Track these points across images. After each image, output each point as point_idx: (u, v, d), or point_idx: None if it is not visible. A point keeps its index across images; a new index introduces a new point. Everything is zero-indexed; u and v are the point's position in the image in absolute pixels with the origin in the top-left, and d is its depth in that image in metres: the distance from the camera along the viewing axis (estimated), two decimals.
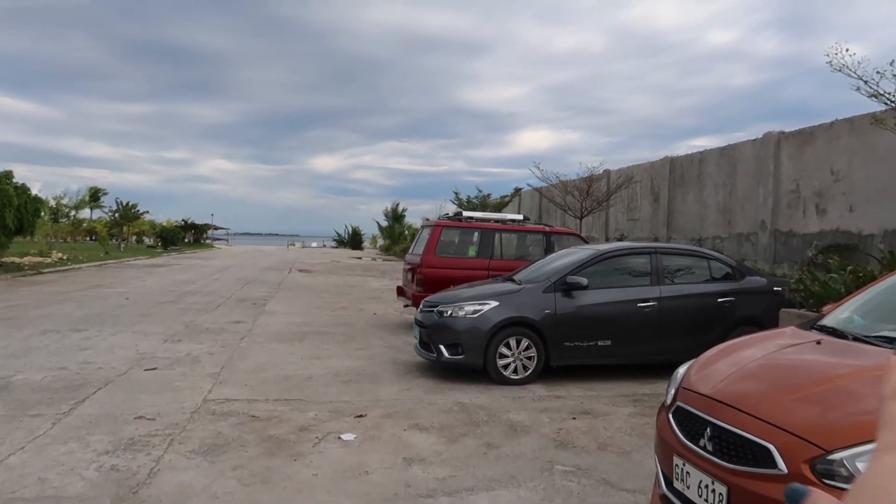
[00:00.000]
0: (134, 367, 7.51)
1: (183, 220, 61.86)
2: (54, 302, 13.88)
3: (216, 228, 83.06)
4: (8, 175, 22.69)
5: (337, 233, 72.03)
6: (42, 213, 28.70)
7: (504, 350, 7.25)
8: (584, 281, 7.48)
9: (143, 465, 4.38)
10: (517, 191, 34.94)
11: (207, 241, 71.63)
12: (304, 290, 18.40)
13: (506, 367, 7.23)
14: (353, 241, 66.78)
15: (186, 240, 60.25)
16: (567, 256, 8.45)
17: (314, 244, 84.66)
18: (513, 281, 8.24)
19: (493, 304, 7.40)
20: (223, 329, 10.68)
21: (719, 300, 8.00)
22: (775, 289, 8.54)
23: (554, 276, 7.71)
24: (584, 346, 7.44)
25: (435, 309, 7.62)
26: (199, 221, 68.24)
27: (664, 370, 5.90)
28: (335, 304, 15.14)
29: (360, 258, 44.82)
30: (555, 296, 7.47)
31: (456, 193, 38.26)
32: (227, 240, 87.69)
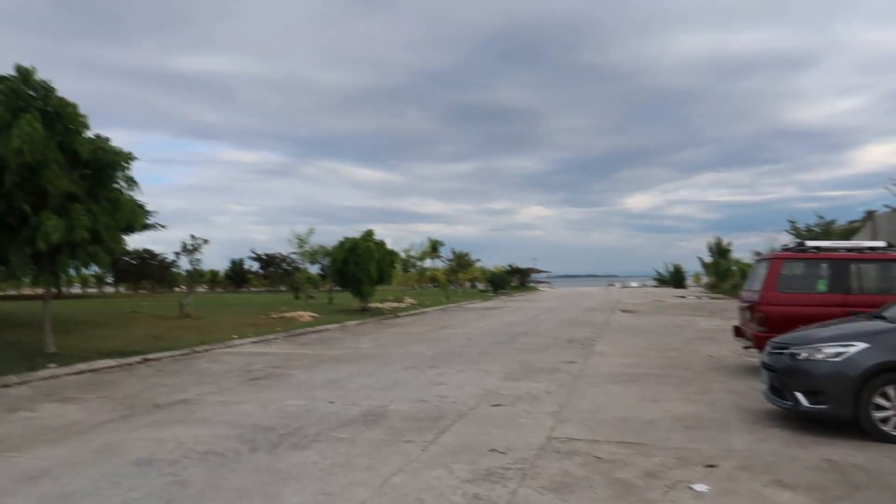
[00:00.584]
0: (481, 402, 8.15)
1: (509, 265, 66.18)
2: (410, 342, 15.85)
3: (538, 272, 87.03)
4: (370, 234, 26.89)
5: (657, 271, 69.99)
6: (395, 265, 33.20)
7: (881, 401, 6.17)
8: None
9: (501, 496, 4.68)
10: (869, 214, 30.10)
11: (531, 285, 75.35)
12: (630, 331, 18.14)
13: (885, 420, 6.14)
14: (676, 279, 64.11)
15: (513, 283, 64.22)
16: None
17: (634, 284, 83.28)
18: (883, 318, 7.04)
19: (862, 345, 6.38)
20: (556, 368, 11.02)
21: None
22: None
23: None
24: None
25: (786, 351, 6.86)
26: (522, 266, 72.48)
27: None
28: (665, 345, 14.61)
29: (683, 297, 42.74)
30: None
31: (791, 223, 34.53)
32: (549, 282, 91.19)
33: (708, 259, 53.20)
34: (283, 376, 10.48)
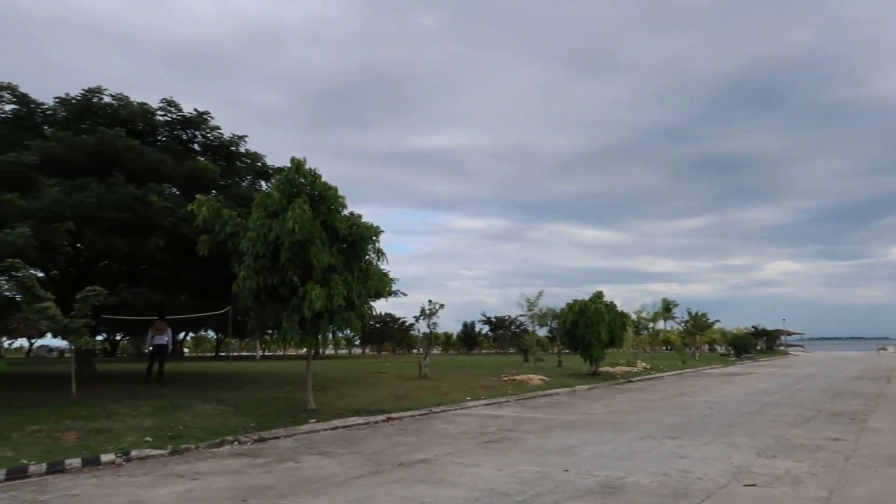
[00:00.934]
0: (732, 480, 7.37)
1: (752, 326, 60.50)
2: (645, 409, 15.01)
3: (788, 334, 78.18)
4: (599, 296, 26.41)
5: None
6: (627, 327, 32.08)
7: None
8: None
9: None
10: None
11: (781, 348, 67.92)
12: None
13: None
14: None
15: (758, 347, 58.43)
16: None
17: None
18: None
19: None
20: (820, 446, 9.66)
21: None
22: None
23: None
24: None
25: None
26: (768, 327, 65.79)
27: None
28: None
29: None
30: None
31: None
32: (801, 345, 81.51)
33: None
34: (516, 440, 10.49)
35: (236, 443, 10.16)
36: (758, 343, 58.96)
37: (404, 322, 57.89)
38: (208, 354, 47.77)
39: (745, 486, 7.12)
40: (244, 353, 51.13)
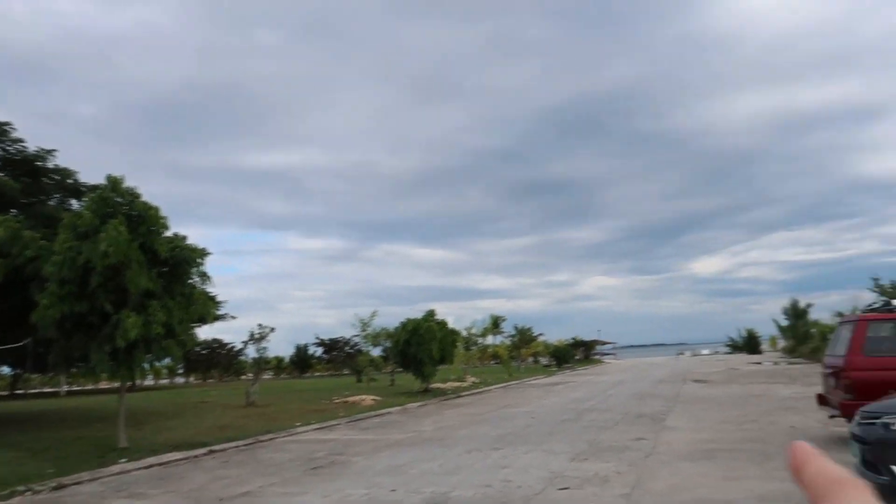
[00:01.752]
0: (548, 486, 7.80)
1: (572, 338, 64.82)
2: (473, 422, 15.49)
3: (603, 343, 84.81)
4: (431, 314, 26.94)
5: (729, 337, 67.29)
6: (457, 344, 32.98)
7: None
8: None
9: None
10: None
11: (596, 357, 73.42)
12: (703, 403, 17.29)
13: None
14: (750, 344, 61.37)
15: (577, 357, 62.69)
16: None
17: (705, 351, 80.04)
18: None
19: None
20: (626, 447, 10.52)
21: None
22: None
23: None
24: None
25: (878, 421, 6.36)
26: (586, 338, 70.86)
27: None
28: (741, 416, 13.81)
29: (759, 363, 40.79)
30: None
31: (874, 280, 32.82)
32: (614, 354, 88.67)
33: (784, 322, 50.87)
34: (345, 464, 10.34)
35: (29, 493, 9.04)
36: (577, 353, 63.30)
37: (232, 347, 55.19)
38: (2, 393, 42.32)
39: (559, 490, 7.57)
40: (46, 390, 45.90)
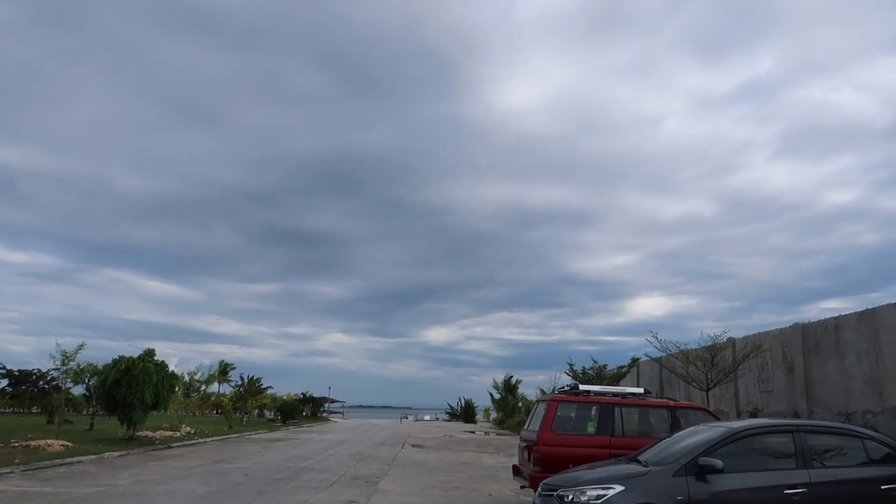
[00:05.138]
0: None
1: (302, 393, 63.60)
2: (179, 477, 14.26)
3: (333, 401, 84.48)
4: (150, 353, 24.62)
5: (450, 405, 71.33)
6: (176, 389, 30.46)
7: None
8: (719, 463, 6.82)
9: None
10: (634, 361, 33.65)
11: (324, 415, 72.77)
12: (417, 468, 17.95)
13: None
14: (466, 413, 65.65)
15: (304, 413, 61.51)
16: (696, 435, 7.81)
17: (427, 417, 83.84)
18: (638, 462, 7.65)
19: (619, 488, 6.84)
20: None
21: (883, 487, 6.99)
22: None
23: (684, 457, 7.09)
24: None
25: (555, 493, 7.14)
26: (317, 394, 69.96)
27: None
28: (449, 482, 14.59)
29: (473, 432, 43.70)
30: (686, 480, 6.82)
31: (570, 364, 37.28)
32: (342, 413, 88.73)
33: (497, 395, 55.40)
34: None
35: None
36: (304, 409, 62.14)
37: None
38: None
39: None
40: None
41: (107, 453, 18.86)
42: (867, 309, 16.12)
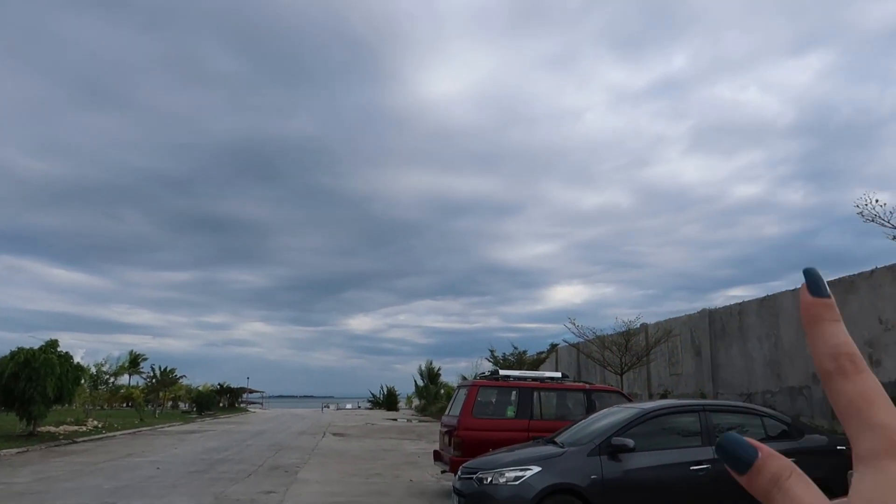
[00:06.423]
0: None
1: (219, 384, 61.85)
2: (85, 473, 13.59)
3: (251, 392, 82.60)
4: (53, 344, 23.26)
5: (372, 393, 71.10)
6: (82, 381, 28.95)
7: None
8: (631, 443, 7.08)
9: None
10: (553, 347, 34.46)
11: (242, 406, 71.08)
12: (337, 456, 17.80)
13: None
14: (389, 401, 65.61)
15: (221, 404, 59.89)
16: (610, 416, 8.08)
17: (349, 406, 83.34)
18: (554, 443, 7.85)
19: (536, 469, 7.00)
20: (254, 500, 10.25)
21: None
22: (838, 448, 7.95)
23: (598, 437, 7.33)
24: None
25: (474, 476, 7.23)
26: (235, 385, 68.23)
27: None
28: (370, 470, 14.54)
29: (395, 419, 43.76)
30: (600, 459, 7.05)
31: (491, 351, 37.74)
32: (261, 403, 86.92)
33: (420, 382, 55.62)
34: None
35: None
36: (221, 400, 60.48)
37: None
38: None
39: None
40: None
41: (3, 451, 17.75)
42: (767, 296, 17.10)
